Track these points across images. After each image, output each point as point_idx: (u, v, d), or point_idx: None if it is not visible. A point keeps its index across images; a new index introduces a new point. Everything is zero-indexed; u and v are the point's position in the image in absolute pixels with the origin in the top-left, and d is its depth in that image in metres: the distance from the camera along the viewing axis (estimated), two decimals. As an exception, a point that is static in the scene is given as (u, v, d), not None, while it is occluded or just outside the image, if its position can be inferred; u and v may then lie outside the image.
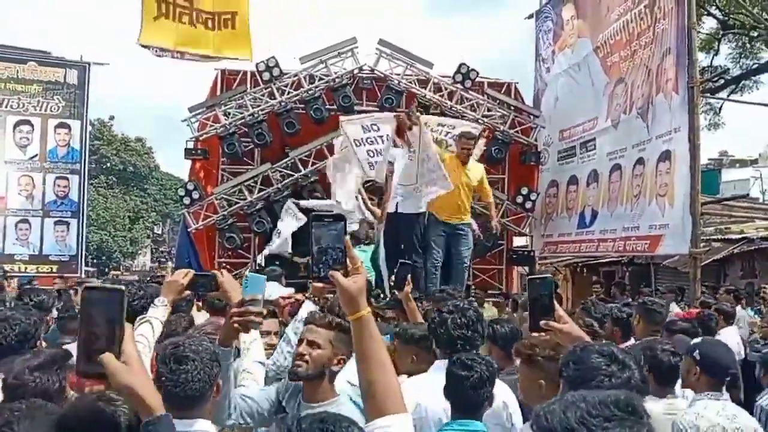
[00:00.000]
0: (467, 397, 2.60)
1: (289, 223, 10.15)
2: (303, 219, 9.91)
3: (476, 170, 8.29)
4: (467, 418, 2.59)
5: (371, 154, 8.01)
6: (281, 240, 10.07)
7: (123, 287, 1.39)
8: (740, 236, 11.30)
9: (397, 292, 4.61)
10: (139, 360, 1.41)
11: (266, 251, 10.37)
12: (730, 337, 6.22)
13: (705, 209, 9.78)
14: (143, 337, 2.67)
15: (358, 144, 8.07)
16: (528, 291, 2.29)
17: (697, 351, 3.18)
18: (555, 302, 2.22)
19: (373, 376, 1.61)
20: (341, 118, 8.89)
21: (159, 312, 2.78)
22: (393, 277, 5.83)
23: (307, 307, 3.27)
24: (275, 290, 5.54)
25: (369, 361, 1.62)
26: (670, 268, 11.35)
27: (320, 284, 2.88)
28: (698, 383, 3.14)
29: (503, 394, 2.89)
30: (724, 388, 3.17)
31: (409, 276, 4.41)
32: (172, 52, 11.80)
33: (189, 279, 2.83)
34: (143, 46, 11.95)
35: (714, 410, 2.96)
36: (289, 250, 10.04)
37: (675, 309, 7.83)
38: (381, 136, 7.92)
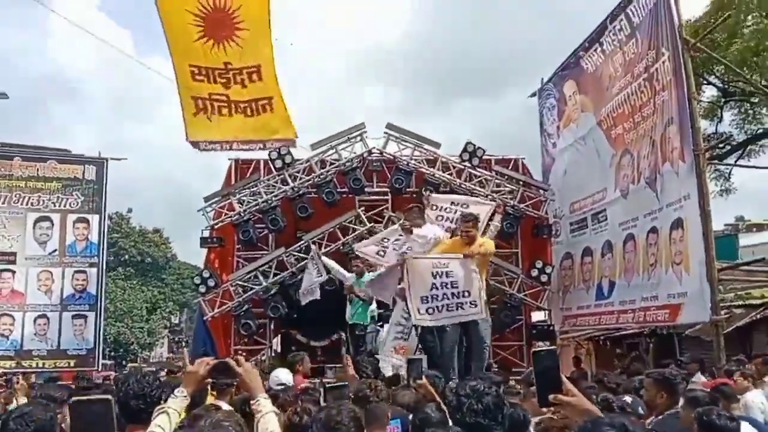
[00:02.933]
0: None
1: (311, 273, 10.17)
2: (323, 276, 9.94)
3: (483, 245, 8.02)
4: None
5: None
6: (310, 286, 10.03)
7: (110, 396, 1.32)
8: (762, 301, 11.09)
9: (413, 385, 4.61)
10: None
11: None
12: (756, 397, 6.06)
13: (724, 275, 9.65)
14: (160, 428, 2.66)
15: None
16: (533, 364, 2.21)
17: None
18: (562, 375, 2.17)
19: None
20: (355, 246, 9.05)
21: (177, 403, 2.76)
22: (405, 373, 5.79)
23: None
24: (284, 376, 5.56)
25: None
26: (694, 337, 11.11)
27: None
28: None
29: None
30: None
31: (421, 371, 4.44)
32: (221, 144, 12.17)
33: (208, 369, 2.84)
34: (192, 143, 12.32)
35: None
36: (318, 297, 10.00)
37: (701, 379, 7.60)
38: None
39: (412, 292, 6.84)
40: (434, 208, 9.34)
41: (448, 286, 6.80)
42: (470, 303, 6.85)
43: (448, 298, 6.81)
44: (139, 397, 2.98)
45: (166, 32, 11.88)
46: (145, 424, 2.91)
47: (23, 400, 6.25)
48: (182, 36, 12.00)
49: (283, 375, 5.74)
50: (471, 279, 6.89)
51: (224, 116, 12.05)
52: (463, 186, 11.41)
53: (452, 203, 9.70)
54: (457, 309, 6.82)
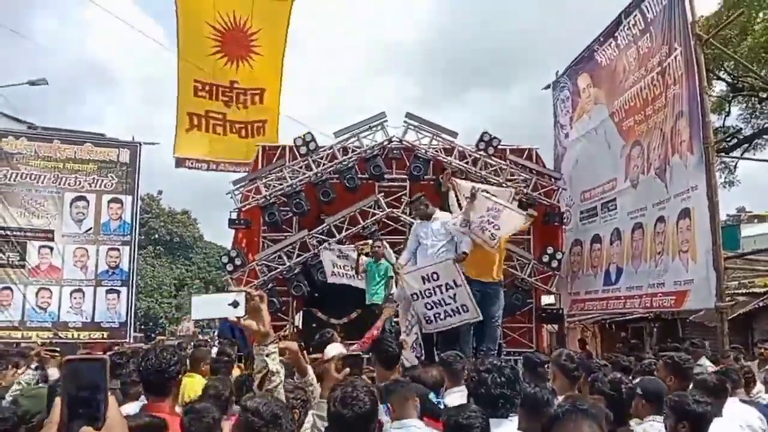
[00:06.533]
0: None
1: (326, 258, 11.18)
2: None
3: None
4: None
5: (429, 307, 7.48)
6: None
7: (106, 357, 1.19)
8: (765, 289, 11.41)
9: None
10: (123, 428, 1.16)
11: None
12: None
13: (727, 264, 9.95)
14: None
15: (416, 297, 7.53)
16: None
17: (639, 387, 3.87)
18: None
19: None
20: (401, 271, 7.91)
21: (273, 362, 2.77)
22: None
23: None
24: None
25: None
26: (697, 323, 11.47)
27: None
28: (643, 410, 3.82)
29: None
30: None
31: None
32: (208, 163, 12.44)
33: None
34: (177, 159, 12.55)
35: (657, 428, 3.63)
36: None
37: (707, 363, 7.65)
38: (440, 286, 7.43)
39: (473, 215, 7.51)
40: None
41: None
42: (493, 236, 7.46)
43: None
44: (159, 372, 3.12)
45: (181, 39, 12.08)
46: (164, 397, 3.13)
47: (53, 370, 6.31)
48: (196, 47, 12.23)
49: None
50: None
51: (217, 135, 12.27)
52: (478, 174, 11.85)
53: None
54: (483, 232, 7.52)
